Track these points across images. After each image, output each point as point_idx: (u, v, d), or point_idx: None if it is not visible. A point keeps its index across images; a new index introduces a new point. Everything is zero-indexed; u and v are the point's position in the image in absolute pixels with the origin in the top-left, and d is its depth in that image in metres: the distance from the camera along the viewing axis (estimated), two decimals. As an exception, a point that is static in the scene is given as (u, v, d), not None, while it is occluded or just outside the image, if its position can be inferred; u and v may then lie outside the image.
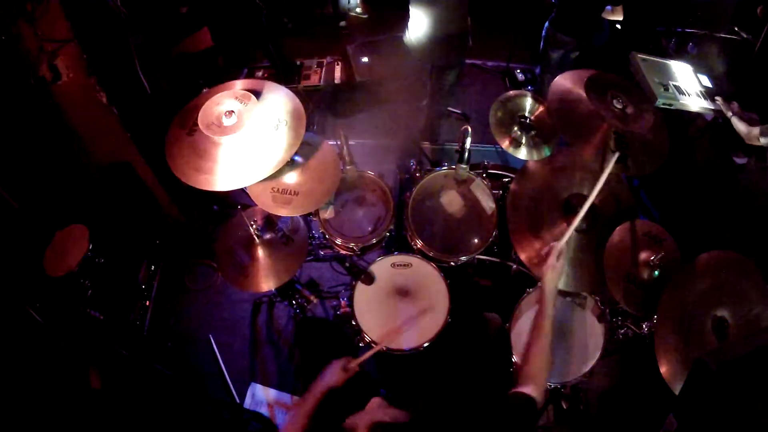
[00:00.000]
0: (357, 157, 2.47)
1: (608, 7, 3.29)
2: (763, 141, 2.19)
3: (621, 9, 3.56)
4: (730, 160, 2.67)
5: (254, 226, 2.21)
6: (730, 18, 2.83)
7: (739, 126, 2.28)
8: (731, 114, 2.32)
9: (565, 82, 2.13)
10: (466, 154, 2.38)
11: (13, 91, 2.41)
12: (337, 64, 4.28)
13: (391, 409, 1.35)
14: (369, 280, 2.31)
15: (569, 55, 3.39)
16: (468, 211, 2.49)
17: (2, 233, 2.44)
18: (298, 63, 4.29)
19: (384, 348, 2.09)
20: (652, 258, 2.03)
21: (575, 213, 1.83)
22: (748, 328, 1.75)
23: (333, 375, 1.72)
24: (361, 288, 2.32)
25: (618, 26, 3.65)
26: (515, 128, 2.36)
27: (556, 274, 1.68)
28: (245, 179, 1.84)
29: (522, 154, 2.34)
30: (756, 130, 2.21)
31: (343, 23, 4.57)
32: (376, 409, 1.38)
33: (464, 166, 2.44)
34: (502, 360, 2.32)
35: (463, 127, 2.32)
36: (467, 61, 3.77)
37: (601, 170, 1.84)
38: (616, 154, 1.87)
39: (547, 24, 3.32)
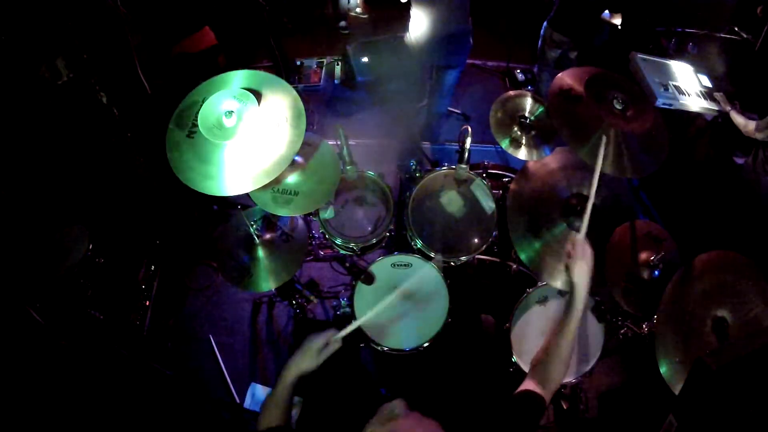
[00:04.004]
0: (357, 157, 2.47)
1: (606, 13, 3.31)
2: (759, 137, 2.20)
3: (620, 15, 3.57)
4: (730, 160, 2.67)
5: (254, 226, 2.21)
6: (730, 18, 2.83)
7: (738, 119, 2.29)
8: (729, 108, 2.32)
9: (564, 80, 2.12)
10: (466, 154, 2.38)
11: (13, 91, 2.42)
12: (337, 64, 4.28)
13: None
14: (369, 280, 2.31)
15: (568, 55, 3.40)
16: (468, 211, 2.49)
17: (2, 233, 2.44)
18: (298, 63, 4.30)
19: (394, 351, 2.06)
20: (652, 258, 2.03)
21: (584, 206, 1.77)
22: (748, 328, 1.75)
23: (305, 360, 1.45)
24: (361, 288, 2.32)
25: (618, 26, 3.65)
26: (515, 128, 2.36)
27: (584, 268, 1.52)
28: (251, 183, 1.83)
29: (522, 154, 2.34)
30: (752, 124, 2.22)
31: (343, 23, 4.58)
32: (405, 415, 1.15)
33: (464, 166, 2.44)
34: (502, 360, 2.32)
35: (463, 127, 2.32)
36: (467, 61, 3.78)
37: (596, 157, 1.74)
38: (604, 138, 1.78)
39: (545, 23, 3.32)
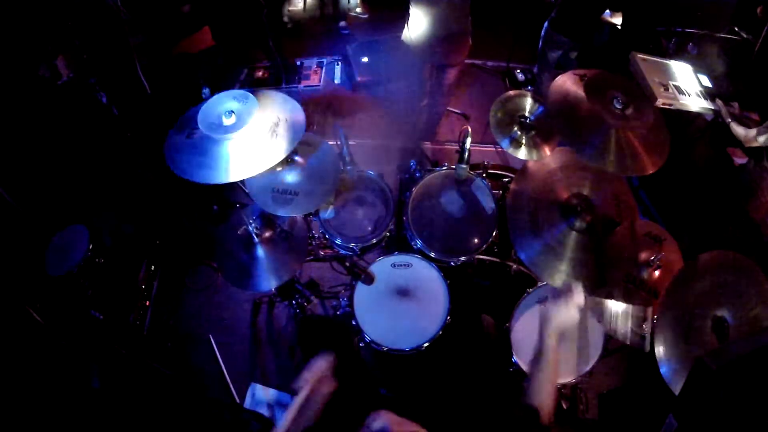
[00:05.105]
0: (357, 157, 2.47)
1: (607, 12, 3.31)
2: (761, 140, 2.20)
3: (620, 14, 3.57)
4: (730, 160, 2.67)
5: (253, 225, 2.21)
6: (730, 18, 2.83)
7: (738, 130, 2.29)
8: (729, 120, 2.32)
9: (564, 83, 2.13)
10: (466, 154, 2.38)
11: (12, 91, 2.42)
12: (337, 64, 4.28)
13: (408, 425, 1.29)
14: (369, 280, 2.31)
15: (569, 55, 3.40)
16: (468, 211, 2.49)
17: (2, 233, 2.44)
18: (298, 63, 4.30)
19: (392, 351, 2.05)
20: (652, 258, 2.03)
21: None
22: (748, 328, 1.75)
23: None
24: (361, 288, 2.32)
25: (618, 26, 3.65)
26: (515, 128, 2.36)
27: (562, 320, 1.57)
28: (246, 171, 1.84)
29: (522, 154, 2.34)
30: (753, 132, 2.22)
31: (343, 23, 4.58)
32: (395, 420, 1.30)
33: (464, 166, 2.44)
34: (502, 360, 2.32)
35: (463, 127, 2.32)
36: (467, 61, 3.77)
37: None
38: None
39: (546, 24, 3.33)
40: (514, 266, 2.57)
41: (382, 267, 2.36)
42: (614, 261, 2.03)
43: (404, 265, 2.36)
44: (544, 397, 1.49)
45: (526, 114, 2.40)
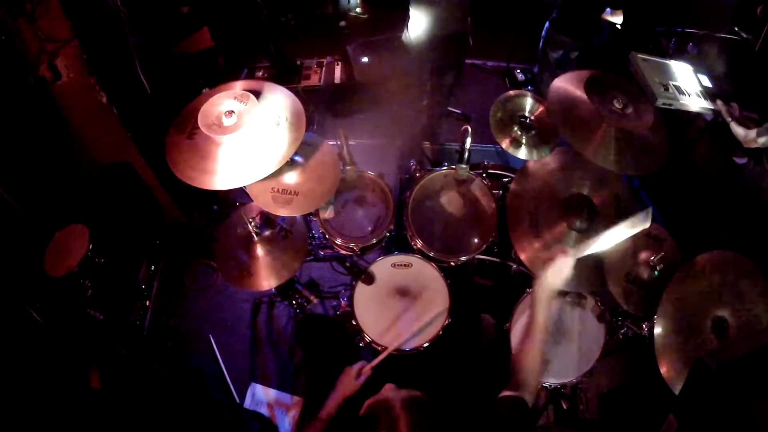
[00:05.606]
0: (357, 157, 2.47)
1: (608, 11, 3.31)
2: (761, 141, 2.19)
3: (621, 12, 3.57)
4: (730, 160, 2.66)
5: (252, 224, 2.21)
6: (730, 18, 2.83)
7: (737, 130, 2.29)
8: (730, 119, 2.32)
9: (564, 83, 2.13)
10: (466, 154, 2.38)
11: (12, 91, 2.42)
12: (337, 64, 4.28)
13: (408, 390, 1.37)
14: (369, 280, 2.31)
15: (569, 55, 3.40)
16: (468, 211, 2.49)
17: (2, 233, 2.44)
18: (298, 63, 4.30)
19: (394, 351, 2.07)
20: (652, 258, 2.03)
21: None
22: (748, 328, 1.75)
23: (348, 385, 1.74)
24: (361, 288, 2.32)
25: (618, 26, 3.65)
26: (515, 128, 2.36)
27: (552, 280, 1.57)
28: (247, 177, 1.84)
29: (522, 154, 2.34)
30: (753, 133, 2.22)
31: (343, 23, 4.57)
32: (394, 389, 1.41)
33: (464, 166, 2.44)
34: (502, 360, 2.32)
35: (463, 127, 2.32)
36: (467, 61, 3.77)
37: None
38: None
39: (547, 24, 3.33)
40: (514, 266, 2.57)
41: (382, 267, 2.36)
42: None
43: (404, 265, 2.36)
44: (528, 374, 1.47)
45: (526, 114, 2.40)
